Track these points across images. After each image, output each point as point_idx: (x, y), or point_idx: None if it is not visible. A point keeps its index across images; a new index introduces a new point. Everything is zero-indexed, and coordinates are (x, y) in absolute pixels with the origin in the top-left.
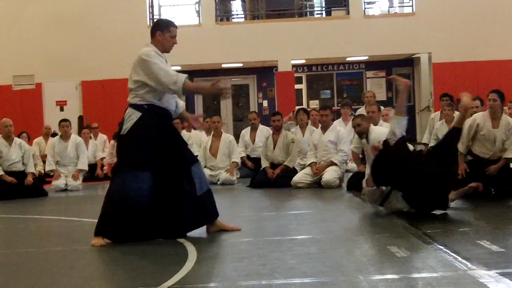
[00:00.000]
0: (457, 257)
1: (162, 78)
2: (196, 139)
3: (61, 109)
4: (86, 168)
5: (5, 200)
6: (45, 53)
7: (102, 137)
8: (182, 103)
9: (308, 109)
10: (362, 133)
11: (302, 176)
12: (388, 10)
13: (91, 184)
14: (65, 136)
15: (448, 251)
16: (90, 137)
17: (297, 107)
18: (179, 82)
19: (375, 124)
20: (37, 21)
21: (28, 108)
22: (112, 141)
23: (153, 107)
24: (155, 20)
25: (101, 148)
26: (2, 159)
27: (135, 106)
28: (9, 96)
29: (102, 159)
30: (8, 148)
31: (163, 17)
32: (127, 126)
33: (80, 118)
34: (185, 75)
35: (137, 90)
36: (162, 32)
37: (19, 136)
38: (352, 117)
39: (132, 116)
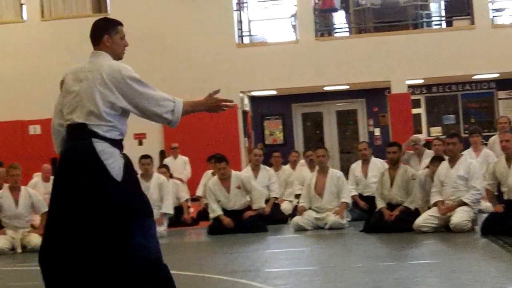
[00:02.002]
0: None
1: (155, 105)
2: (299, 176)
3: (140, 143)
4: (172, 212)
5: None
6: None
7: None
8: None
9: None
10: None
11: (426, 219)
12: None
13: (177, 229)
14: (146, 175)
15: None
16: (171, 176)
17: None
18: (178, 110)
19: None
20: None
21: None
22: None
23: (122, 141)
24: (95, 22)
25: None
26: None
27: (113, 142)
28: None
29: (187, 200)
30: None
31: (254, 33)
32: (117, 171)
33: (162, 153)
34: (181, 99)
35: (114, 120)
36: (110, 35)
37: None
38: (483, 146)
39: (115, 156)
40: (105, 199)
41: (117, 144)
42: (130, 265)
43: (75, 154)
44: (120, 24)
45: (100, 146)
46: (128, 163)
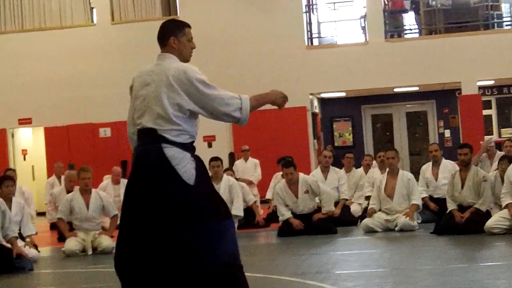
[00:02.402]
0: None
1: (222, 105)
2: (369, 177)
3: (209, 145)
4: (242, 214)
5: None
6: None
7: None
8: None
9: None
10: None
11: (497, 220)
12: None
13: (247, 231)
14: (216, 177)
15: None
16: (236, 179)
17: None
18: (246, 107)
19: None
20: None
21: None
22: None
23: (193, 143)
24: (162, 24)
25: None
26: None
27: (183, 146)
28: None
29: (255, 202)
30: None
31: (323, 35)
32: (189, 175)
33: (231, 155)
34: (246, 95)
35: (183, 123)
36: (176, 37)
37: None
38: None
39: (185, 160)
40: (179, 204)
41: (188, 147)
42: (203, 268)
43: (146, 161)
44: (188, 26)
45: (171, 151)
46: (199, 165)
